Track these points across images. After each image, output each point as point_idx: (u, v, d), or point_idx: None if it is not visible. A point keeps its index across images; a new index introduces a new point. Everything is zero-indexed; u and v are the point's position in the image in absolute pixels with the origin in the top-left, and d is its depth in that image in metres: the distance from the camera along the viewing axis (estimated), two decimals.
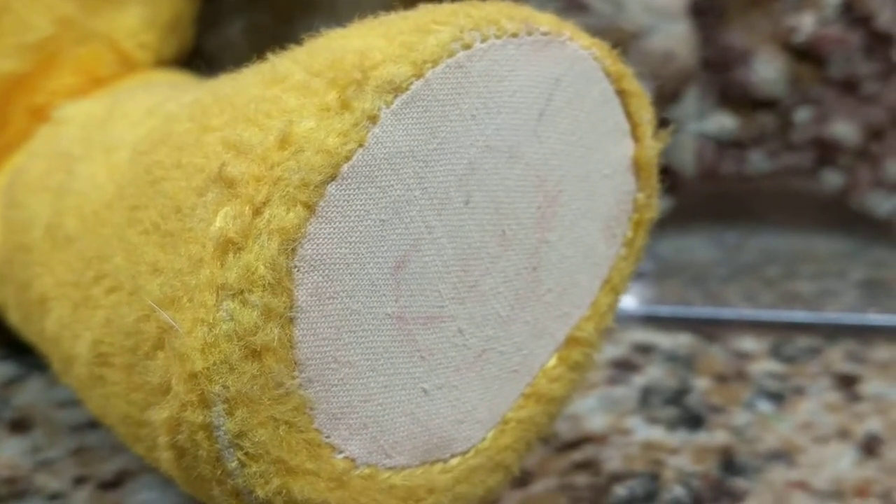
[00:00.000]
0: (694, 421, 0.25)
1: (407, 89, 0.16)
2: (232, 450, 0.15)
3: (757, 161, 0.33)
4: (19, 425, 0.26)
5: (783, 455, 0.24)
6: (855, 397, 0.26)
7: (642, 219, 0.20)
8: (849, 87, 0.32)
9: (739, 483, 0.23)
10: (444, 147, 0.16)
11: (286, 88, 0.16)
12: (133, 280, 0.17)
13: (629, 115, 0.19)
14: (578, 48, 0.18)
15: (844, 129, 0.32)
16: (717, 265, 0.33)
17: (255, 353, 0.15)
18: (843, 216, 0.34)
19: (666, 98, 0.31)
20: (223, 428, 0.15)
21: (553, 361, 0.19)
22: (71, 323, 0.20)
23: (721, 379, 0.28)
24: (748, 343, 0.29)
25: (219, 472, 0.15)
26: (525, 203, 0.18)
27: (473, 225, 0.17)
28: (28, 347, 0.26)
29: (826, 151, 0.32)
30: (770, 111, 0.32)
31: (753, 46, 0.32)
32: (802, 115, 0.32)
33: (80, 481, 0.23)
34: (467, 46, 0.17)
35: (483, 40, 0.17)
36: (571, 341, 0.19)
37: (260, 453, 0.15)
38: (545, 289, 0.18)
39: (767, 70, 0.32)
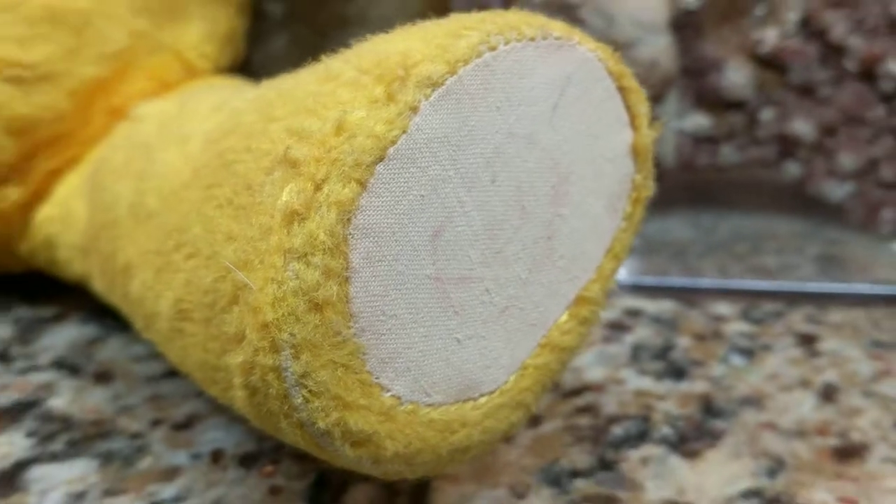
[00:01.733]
0: (678, 372, 0.26)
1: (442, 84, 0.16)
2: (297, 388, 0.15)
3: (728, 154, 0.33)
4: (102, 377, 0.26)
5: (754, 401, 0.24)
6: (814, 353, 0.27)
7: (640, 196, 0.20)
8: (806, 91, 0.32)
9: (718, 424, 0.23)
10: (474, 134, 0.17)
11: (339, 84, 0.16)
12: (210, 247, 0.17)
13: (628, 108, 0.19)
14: (586, 51, 0.18)
15: (803, 127, 0.32)
16: (693, 243, 0.33)
17: (317, 307, 0.15)
18: (801, 201, 0.34)
19: (651, 100, 0.31)
20: (290, 370, 0.15)
21: (565, 317, 0.19)
22: (154, 285, 0.20)
23: (700, 338, 0.28)
24: (722, 308, 0.30)
25: (286, 408, 0.16)
26: (541, 182, 0.18)
27: (498, 200, 0.17)
28: (108, 311, 0.26)
29: (787, 146, 0.33)
30: (739, 111, 0.32)
31: (725, 56, 0.32)
32: (767, 114, 0.32)
33: (156, 423, 0.24)
34: (493, 48, 0.17)
35: (506, 43, 0.17)
36: (580, 300, 0.19)
37: (321, 391, 0.15)
38: (558, 255, 0.19)
39: (737, 76, 0.32)
